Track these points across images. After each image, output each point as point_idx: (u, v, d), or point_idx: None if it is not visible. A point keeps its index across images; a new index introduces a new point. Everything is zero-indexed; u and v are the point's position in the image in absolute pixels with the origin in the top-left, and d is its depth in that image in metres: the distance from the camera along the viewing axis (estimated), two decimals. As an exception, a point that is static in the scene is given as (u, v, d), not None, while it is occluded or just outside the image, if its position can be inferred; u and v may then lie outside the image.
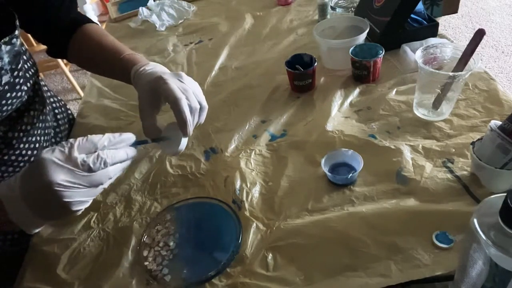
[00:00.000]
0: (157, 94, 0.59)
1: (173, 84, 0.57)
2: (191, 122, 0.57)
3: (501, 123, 0.60)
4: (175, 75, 0.60)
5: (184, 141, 0.58)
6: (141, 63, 0.67)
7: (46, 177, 0.46)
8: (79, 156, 0.48)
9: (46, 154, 0.47)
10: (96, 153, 0.49)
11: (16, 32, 0.67)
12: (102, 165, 0.49)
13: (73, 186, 0.47)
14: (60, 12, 0.77)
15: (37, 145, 0.76)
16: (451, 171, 0.67)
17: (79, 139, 0.49)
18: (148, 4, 1.43)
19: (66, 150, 0.48)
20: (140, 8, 1.41)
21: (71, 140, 0.49)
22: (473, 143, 0.65)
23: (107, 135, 0.51)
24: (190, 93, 0.58)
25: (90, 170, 0.48)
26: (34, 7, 0.72)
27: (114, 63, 0.71)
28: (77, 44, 0.78)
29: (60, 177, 0.46)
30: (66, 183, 0.47)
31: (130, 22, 1.42)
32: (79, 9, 0.83)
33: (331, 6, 1.18)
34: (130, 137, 0.54)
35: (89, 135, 0.50)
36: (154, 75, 0.61)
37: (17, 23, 0.68)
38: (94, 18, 2.68)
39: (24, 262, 0.69)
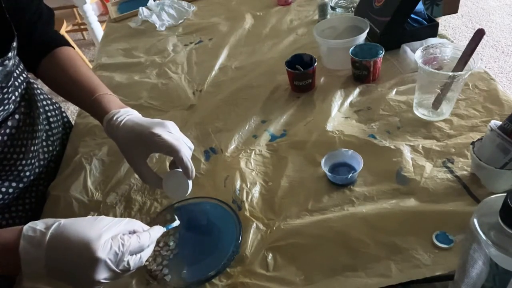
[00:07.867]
0: (146, 147, 0.63)
1: (167, 137, 0.61)
2: (192, 166, 0.62)
3: (501, 123, 0.60)
4: (160, 125, 0.62)
5: (190, 184, 0.64)
6: (112, 111, 0.67)
7: (91, 276, 0.48)
8: (127, 260, 0.50)
9: (103, 252, 0.48)
10: (139, 256, 0.52)
11: (9, 54, 0.66)
12: (140, 264, 0.53)
13: (108, 281, 0.50)
14: (36, 27, 0.76)
15: (23, 149, 0.75)
16: (451, 171, 0.67)
17: (133, 240, 0.51)
18: (148, 4, 1.43)
19: (119, 253, 0.49)
20: (140, 8, 1.41)
21: (126, 239, 0.50)
22: (473, 143, 0.65)
23: (150, 235, 0.54)
24: (181, 141, 0.62)
25: (129, 270, 0.51)
26: (10, 17, 0.68)
27: (85, 104, 0.72)
28: (49, 68, 0.77)
29: (103, 276, 0.49)
30: (105, 280, 0.49)
31: (130, 22, 1.42)
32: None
33: (331, 6, 1.18)
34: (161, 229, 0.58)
35: (140, 236, 0.52)
36: (135, 128, 0.63)
37: (14, 45, 0.66)
38: (94, 18, 2.67)
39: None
